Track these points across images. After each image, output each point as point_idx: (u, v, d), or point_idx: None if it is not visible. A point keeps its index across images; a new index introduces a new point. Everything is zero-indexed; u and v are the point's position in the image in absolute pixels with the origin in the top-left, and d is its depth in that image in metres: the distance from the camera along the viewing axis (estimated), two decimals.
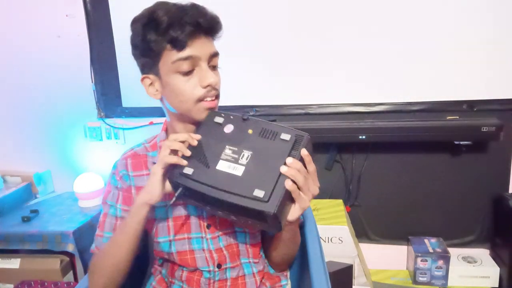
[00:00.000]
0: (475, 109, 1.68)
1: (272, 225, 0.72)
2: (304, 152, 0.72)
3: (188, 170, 0.74)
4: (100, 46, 1.85)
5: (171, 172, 0.77)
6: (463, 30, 1.62)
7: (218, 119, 0.79)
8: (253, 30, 1.71)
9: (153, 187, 0.76)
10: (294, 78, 1.75)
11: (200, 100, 0.79)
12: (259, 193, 0.69)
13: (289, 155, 0.72)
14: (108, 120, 1.93)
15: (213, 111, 0.80)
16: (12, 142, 2.02)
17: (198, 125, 0.81)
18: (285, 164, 0.71)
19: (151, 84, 0.85)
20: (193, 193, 0.74)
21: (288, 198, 0.72)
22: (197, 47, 0.77)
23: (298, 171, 0.70)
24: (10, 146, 2.02)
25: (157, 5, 0.77)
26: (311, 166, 0.74)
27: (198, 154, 0.76)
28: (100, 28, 1.82)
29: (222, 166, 0.74)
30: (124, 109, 1.91)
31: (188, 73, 0.78)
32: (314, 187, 0.74)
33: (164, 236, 0.87)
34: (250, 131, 0.76)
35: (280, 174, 0.70)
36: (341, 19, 1.68)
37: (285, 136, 0.74)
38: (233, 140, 0.76)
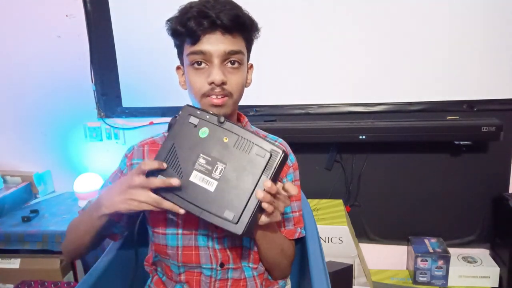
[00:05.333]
0: (475, 109, 1.68)
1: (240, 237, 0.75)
2: (267, 184, 0.69)
3: (162, 178, 0.74)
4: (100, 46, 1.85)
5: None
6: (463, 30, 1.62)
7: (193, 120, 0.76)
8: None
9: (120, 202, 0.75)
10: (294, 78, 1.75)
11: (206, 95, 0.80)
12: (229, 214, 0.71)
13: (262, 173, 0.71)
14: (108, 120, 1.93)
15: (189, 107, 0.78)
16: (12, 142, 2.02)
17: (172, 125, 0.78)
18: (260, 180, 0.70)
19: (182, 74, 0.87)
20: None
21: (258, 212, 0.72)
22: (211, 43, 0.77)
23: (270, 196, 0.70)
24: (10, 146, 2.02)
25: None
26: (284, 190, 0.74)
27: (173, 161, 0.75)
28: (100, 28, 1.82)
29: (196, 177, 0.73)
30: (124, 109, 1.91)
31: (200, 67, 0.79)
32: (286, 201, 0.75)
33: (173, 229, 0.87)
34: (225, 139, 0.74)
35: (252, 193, 0.70)
36: (341, 19, 1.68)
37: (260, 152, 0.72)
38: (208, 147, 0.74)
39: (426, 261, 1.71)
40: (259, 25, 0.85)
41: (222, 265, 0.87)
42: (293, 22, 1.71)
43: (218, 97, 0.80)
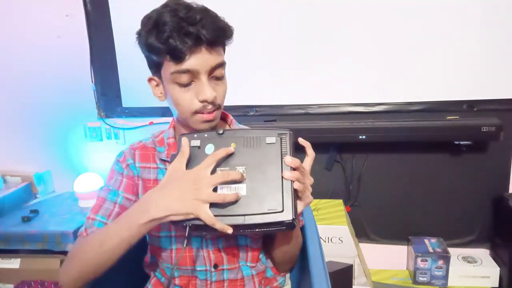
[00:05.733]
0: (475, 109, 1.68)
1: (288, 227, 0.73)
2: (288, 159, 0.71)
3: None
4: (100, 46, 1.85)
5: None
6: (463, 30, 1.62)
7: (195, 142, 0.75)
8: (253, 30, 1.71)
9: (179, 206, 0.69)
10: (294, 78, 1.75)
11: (197, 112, 0.79)
12: (272, 206, 0.70)
13: (281, 157, 0.72)
14: (108, 120, 1.93)
15: (184, 134, 0.76)
16: (12, 142, 2.02)
17: (174, 155, 0.76)
18: (285, 165, 0.71)
19: (157, 85, 0.84)
20: (202, 227, 0.71)
21: (296, 198, 0.73)
22: (197, 60, 0.74)
23: (298, 172, 0.71)
24: (10, 146, 2.02)
25: (166, 6, 0.76)
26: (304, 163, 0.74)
27: None
28: (100, 28, 1.82)
29: (223, 191, 0.71)
30: (124, 109, 1.91)
31: (186, 84, 0.77)
32: (311, 179, 0.75)
33: (166, 232, 0.86)
34: (233, 145, 0.73)
35: (282, 179, 0.71)
36: (341, 19, 1.68)
37: (270, 140, 0.73)
38: (220, 160, 0.72)
39: (426, 261, 1.71)
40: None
41: (216, 266, 0.86)
42: (293, 23, 1.70)
43: (209, 111, 0.79)
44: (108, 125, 1.94)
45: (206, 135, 0.75)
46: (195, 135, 0.76)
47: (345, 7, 1.66)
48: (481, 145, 1.71)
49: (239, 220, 0.70)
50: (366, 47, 1.68)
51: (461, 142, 1.66)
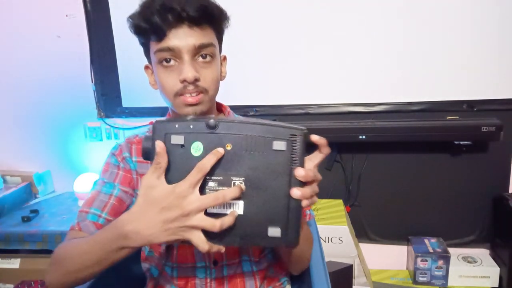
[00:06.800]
0: (475, 109, 1.68)
1: None
2: (300, 173, 0.59)
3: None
4: (100, 46, 1.85)
5: None
6: (463, 30, 1.62)
7: (177, 139, 0.57)
8: (253, 30, 1.72)
9: (158, 236, 0.59)
10: (294, 78, 1.75)
11: (180, 94, 0.75)
12: (274, 231, 0.58)
13: (291, 168, 0.58)
14: (108, 120, 1.93)
15: (160, 123, 0.59)
16: (12, 142, 2.02)
17: (149, 153, 0.59)
18: (295, 178, 0.59)
19: (152, 73, 0.82)
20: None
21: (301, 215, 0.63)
22: (178, 38, 0.72)
23: (310, 187, 0.62)
24: (10, 146, 2.02)
25: None
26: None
27: None
28: (100, 28, 1.82)
29: (214, 207, 0.57)
30: (124, 109, 1.91)
31: (169, 64, 0.74)
32: (319, 178, 0.67)
33: None
34: (228, 147, 0.57)
35: (289, 196, 0.58)
36: (341, 19, 1.68)
37: (279, 145, 0.57)
38: (212, 167, 0.56)
39: (426, 261, 1.71)
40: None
41: (215, 262, 0.85)
42: (293, 22, 1.70)
43: (192, 95, 0.74)
44: (108, 125, 1.94)
45: (191, 126, 0.57)
46: (177, 125, 0.57)
47: (345, 7, 1.66)
48: (481, 145, 1.71)
49: (235, 242, 0.59)
50: (366, 47, 1.68)
51: (461, 142, 1.66)
